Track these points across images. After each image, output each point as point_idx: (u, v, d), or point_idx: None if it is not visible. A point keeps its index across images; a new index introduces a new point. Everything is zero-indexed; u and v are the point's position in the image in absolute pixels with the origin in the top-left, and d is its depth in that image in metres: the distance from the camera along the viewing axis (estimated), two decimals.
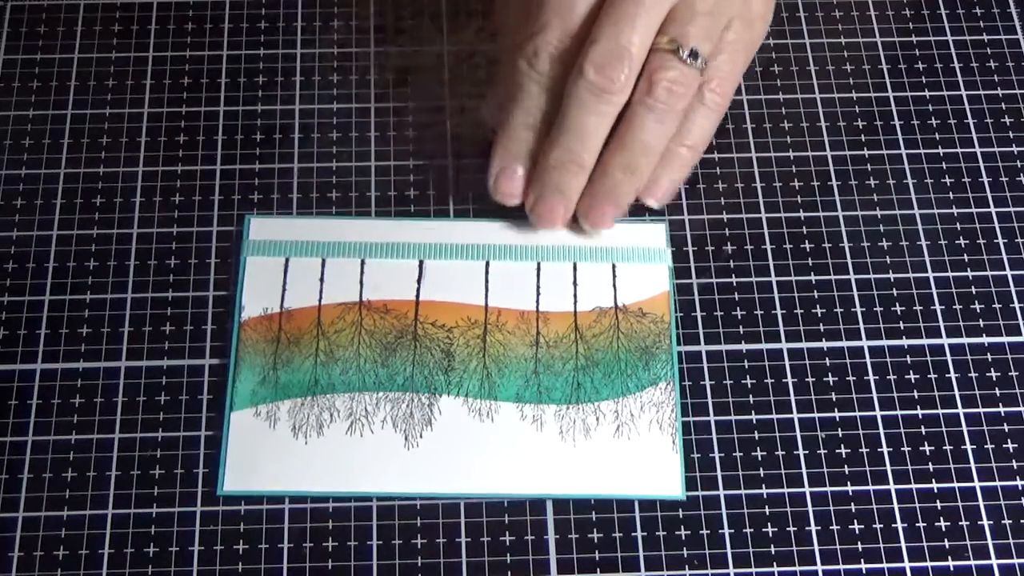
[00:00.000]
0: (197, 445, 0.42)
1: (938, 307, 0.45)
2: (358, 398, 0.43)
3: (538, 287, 0.45)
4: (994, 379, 0.44)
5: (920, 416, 0.43)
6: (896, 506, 0.42)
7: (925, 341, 0.45)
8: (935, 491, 0.42)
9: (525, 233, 0.46)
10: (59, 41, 0.50)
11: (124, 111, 0.49)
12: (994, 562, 0.41)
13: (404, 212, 0.47)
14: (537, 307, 0.44)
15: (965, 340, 0.45)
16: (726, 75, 0.45)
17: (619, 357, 0.44)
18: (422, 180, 0.48)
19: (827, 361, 0.44)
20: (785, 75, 0.51)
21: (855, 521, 0.41)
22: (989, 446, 0.43)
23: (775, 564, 0.41)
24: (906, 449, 0.43)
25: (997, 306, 0.46)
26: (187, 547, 0.40)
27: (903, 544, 0.41)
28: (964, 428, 0.43)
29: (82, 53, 0.50)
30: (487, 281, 0.45)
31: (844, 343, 0.45)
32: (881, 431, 0.43)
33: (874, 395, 0.44)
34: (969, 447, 0.43)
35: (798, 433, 0.43)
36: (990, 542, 0.41)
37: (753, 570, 0.41)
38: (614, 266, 0.45)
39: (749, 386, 0.44)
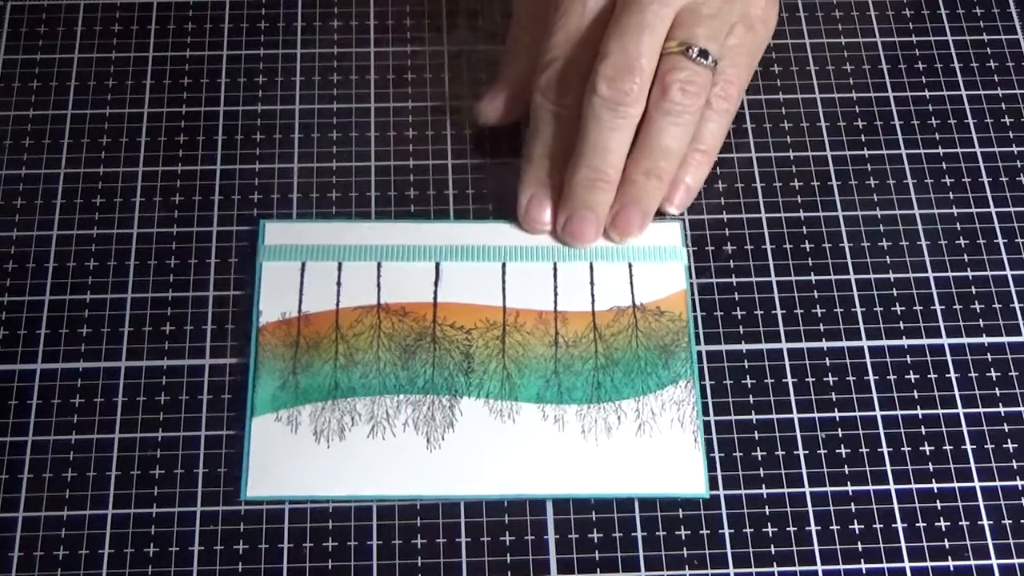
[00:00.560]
0: (197, 445, 0.42)
1: (938, 307, 0.45)
2: (379, 401, 0.43)
3: (555, 287, 0.45)
4: (994, 379, 0.44)
5: (920, 416, 0.43)
6: (896, 506, 0.42)
7: (925, 341, 0.45)
8: (935, 491, 0.42)
9: (541, 234, 0.46)
10: (59, 41, 0.50)
11: (124, 111, 0.49)
12: (994, 562, 0.41)
13: (404, 212, 0.47)
14: (555, 307, 0.45)
15: (965, 340, 0.45)
16: (731, 78, 0.45)
17: (638, 356, 0.44)
18: (422, 180, 0.48)
19: (827, 361, 0.44)
20: (785, 75, 0.51)
21: (855, 521, 0.41)
22: (989, 446, 0.43)
23: (775, 564, 0.41)
24: (906, 449, 0.43)
25: (997, 306, 0.46)
26: (187, 547, 0.40)
27: (903, 544, 0.41)
28: (964, 428, 0.43)
29: (82, 53, 0.50)
30: (504, 282, 0.45)
31: (844, 343, 0.45)
32: (881, 431, 0.43)
33: (874, 395, 0.44)
34: (969, 447, 0.43)
35: (798, 433, 0.43)
36: (990, 542, 0.41)
37: (753, 570, 0.41)
38: (630, 265, 0.45)
39: (749, 386, 0.44)
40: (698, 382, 0.43)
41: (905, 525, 0.41)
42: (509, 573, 0.40)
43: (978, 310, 0.45)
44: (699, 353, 0.44)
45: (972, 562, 0.41)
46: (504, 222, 0.46)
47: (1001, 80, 0.51)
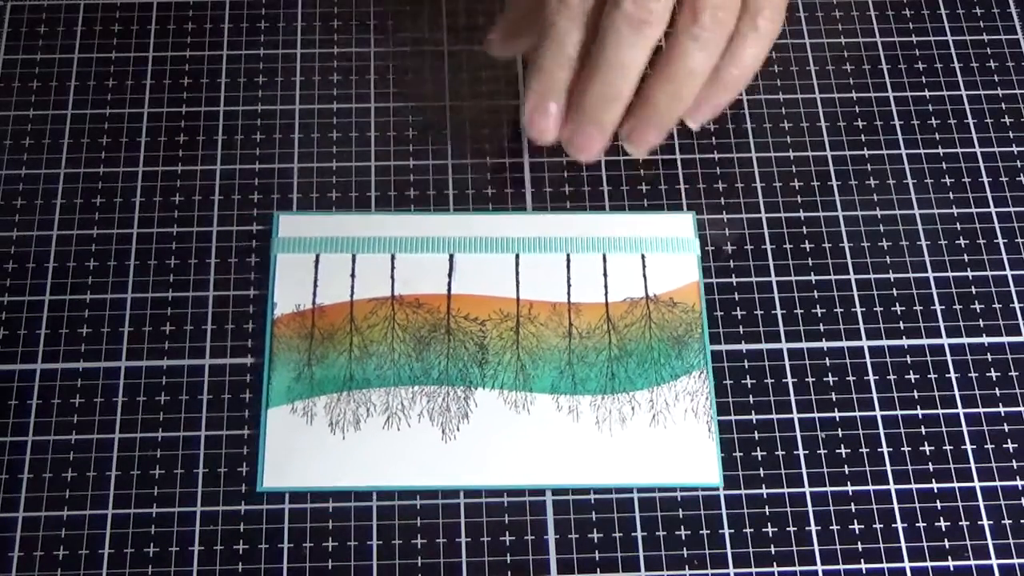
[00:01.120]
0: (197, 445, 0.42)
1: (938, 307, 0.45)
2: (394, 392, 0.43)
3: (568, 279, 0.45)
4: (994, 379, 0.44)
5: (920, 416, 0.43)
6: (896, 506, 0.42)
7: (925, 341, 0.45)
8: (935, 491, 0.42)
9: (553, 225, 0.46)
10: (59, 41, 0.50)
11: (124, 111, 0.49)
12: (994, 562, 0.41)
13: (404, 212, 0.47)
14: (568, 299, 0.45)
15: (965, 340, 0.45)
16: (776, 3, 0.43)
17: (652, 347, 0.44)
18: (422, 180, 0.48)
19: (827, 361, 0.44)
20: (785, 75, 0.51)
21: (855, 521, 0.41)
22: (989, 446, 0.43)
23: (775, 564, 0.41)
24: (906, 449, 0.43)
25: (997, 306, 0.46)
26: (187, 547, 0.40)
27: (903, 544, 0.41)
28: (964, 428, 0.43)
29: (82, 53, 0.50)
30: (517, 274, 0.45)
31: (844, 343, 0.45)
32: (881, 431, 0.43)
33: (874, 395, 0.44)
34: (969, 447, 0.43)
35: (798, 433, 0.43)
36: (990, 542, 0.41)
37: (753, 570, 0.41)
38: (643, 256, 0.46)
39: (749, 386, 0.44)
40: (712, 372, 0.44)
41: (905, 525, 0.41)
42: (509, 573, 0.40)
43: (978, 310, 0.45)
44: None
45: (972, 562, 0.41)
46: (517, 214, 0.46)
47: (1001, 80, 0.51)
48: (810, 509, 0.42)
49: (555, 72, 0.43)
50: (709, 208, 0.47)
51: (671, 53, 0.42)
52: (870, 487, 0.42)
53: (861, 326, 0.45)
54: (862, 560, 0.41)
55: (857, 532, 0.41)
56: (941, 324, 0.45)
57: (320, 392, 0.43)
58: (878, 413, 0.43)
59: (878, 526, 0.41)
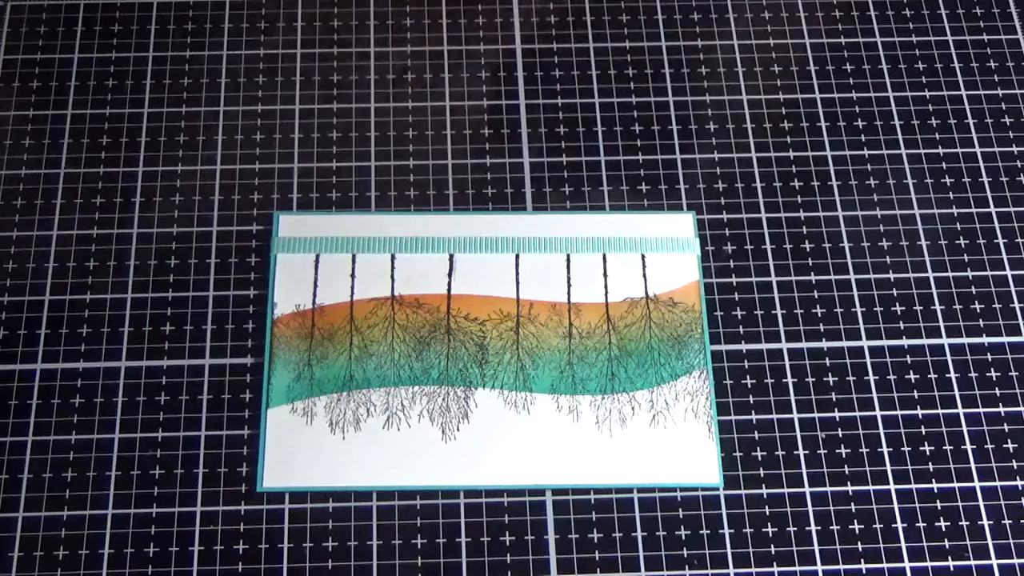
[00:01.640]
0: (197, 445, 0.42)
1: (938, 307, 0.45)
2: (394, 392, 0.43)
3: (568, 279, 0.45)
4: (994, 379, 0.44)
5: (920, 416, 0.43)
6: (896, 506, 0.42)
7: (925, 341, 0.45)
8: (935, 491, 0.42)
9: (553, 225, 0.46)
10: (59, 41, 0.50)
11: (124, 111, 0.49)
12: (994, 562, 0.41)
13: (404, 212, 0.47)
14: (568, 299, 0.45)
15: (965, 340, 0.45)
16: None
17: (652, 347, 0.44)
18: (422, 180, 0.48)
19: (827, 361, 0.44)
20: (785, 75, 0.51)
21: (855, 521, 0.41)
22: (989, 446, 0.43)
23: (775, 564, 0.41)
24: (906, 449, 0.43)
25: (997, 306, 0.46)
26: (187, 547, 0.40)
27: (903, 544, 0.41)
28: (964, 428, 0.43)
29: (82, 53, 0.50)
30: (517, 274, 0.45)
31: (844, 343, 0.45)
32: (881, 431, 0.43)
33: (874, 395, 0.44)
34: (969, 447, 0.43)
35: (798, 433, 0.43)
36: (990, 542, 0.41)
37: (753, 570, 0.41)
38: (643, 256, 0.46)
39: (749, 386, 0.44)
40: (712, 372, 0.44)
41: (905, 525, 0.41)
42: (509, 573, 0.40)
43: (978, 310, 0.45)
44: None
45: (972, 562, 0.41)
46: (517, 214, 0.46)
47: (1001, 80, 0.51)
48: (810, 509, 0.42)
49: None
50: (709, 208, 0.47)
51: None
52: (870, 487, 0.42)
53: (861, 326, 0.45)
54: (862, 560, 0.41)
55: (857, 532, 0.41)
56: (941, 324, 0.45)
57: (320, 392, 0.43)
58: (878, 413, 0.43)
59: (878, 526, 0.41)
